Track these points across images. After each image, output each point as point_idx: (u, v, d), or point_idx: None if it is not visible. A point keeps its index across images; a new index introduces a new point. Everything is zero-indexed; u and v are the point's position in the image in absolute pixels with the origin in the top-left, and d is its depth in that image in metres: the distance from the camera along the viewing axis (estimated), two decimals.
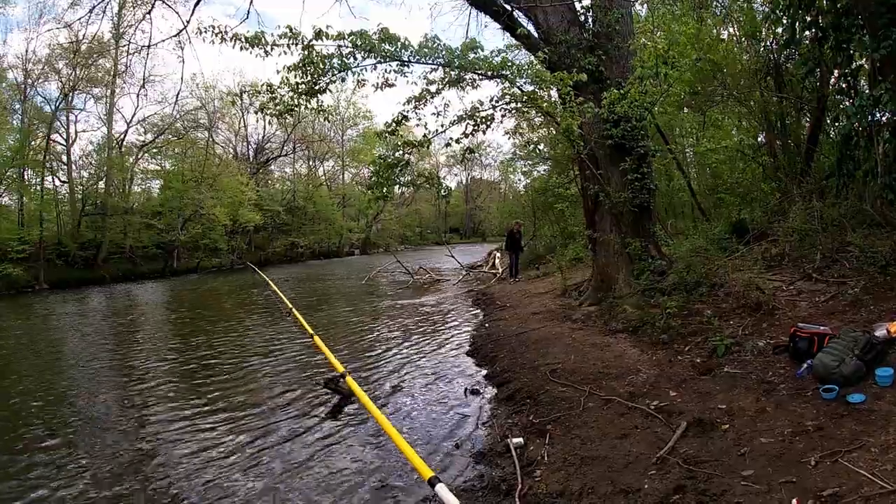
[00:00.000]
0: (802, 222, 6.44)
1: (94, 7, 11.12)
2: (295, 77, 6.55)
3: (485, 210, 52.52)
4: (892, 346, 3.78)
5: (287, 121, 28.12)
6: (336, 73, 6.60)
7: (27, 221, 20.87)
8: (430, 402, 5.27)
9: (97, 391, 6.20)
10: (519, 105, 7.45)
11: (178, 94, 24.37)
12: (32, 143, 21.44)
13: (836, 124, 6.95)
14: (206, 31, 6.44)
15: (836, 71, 6.64)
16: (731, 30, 9.30)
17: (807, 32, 6.10)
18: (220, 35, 6.39)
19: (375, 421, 4.09)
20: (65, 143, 23.21)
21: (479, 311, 10.41)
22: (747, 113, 9.09)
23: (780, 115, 8.07)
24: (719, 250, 7.40)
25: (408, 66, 6.71)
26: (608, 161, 8.12)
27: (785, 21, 6.32)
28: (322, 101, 7.22)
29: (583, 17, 8.54)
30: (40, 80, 22.27)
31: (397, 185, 8.12)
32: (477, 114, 6.86)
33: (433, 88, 6.78)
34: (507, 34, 8.87)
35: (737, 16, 8.84)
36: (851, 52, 5.70)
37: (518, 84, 6.98)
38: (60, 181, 23.72)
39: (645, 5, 11.84)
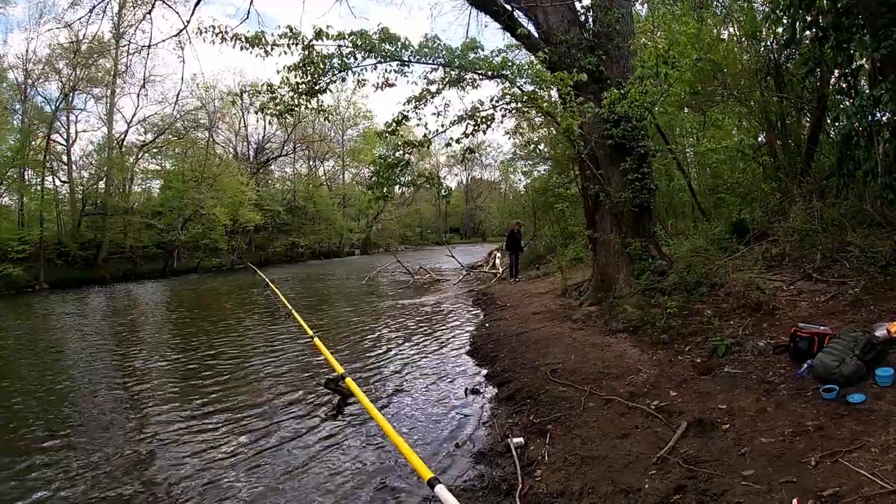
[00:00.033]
0: (803, 222, 6.43)
1: (94, 7, 11.14)
2: (295, 77, 6.54)
3: (485, 210, 52.52)
4: (892, 346, 3.78)
5: (287, 121, 28.13)
6: (336, 72, 6.59)
7: (27, 221, 20.91)
8: (431, 402, 5.27)
9: (97, 391, 6.20)
10: (519, 105, 7.44)
11: (179, 94, 24.49)
12: (33, 143, 21.48)
13: (837, 124, 6.95)
14: (206, 31, 6.44)
15: (836, 71, 6.63)
16: (731, 30, 9.30)
17: (807, 32, 6.10)
18: (220, 35, 6.38)
19: (375, 422, 4.10)
20: (65, 143, 23.28)
21: (479, 311, 10.41)
22: (748, 113, 9.08)
23: (780, 114, 8.06)
24: (720, 250, 7.39)
25: (408, 66, 6.70)
26: (608, 161, 8.11)
27: (785, 21, 6.32)
28: (322, 101, 7.22)
29: (583, 17, 8.53)
30: (41, 80, 22.36)
31: (397, 185, 8.11)
32: (477, 114, 6.85)
33: (433, 88, 6.77)
34: (508, 34, 8.87)
35: (737, 16, 8.83)
36: (852, 51, 5.70)
37: (518, 84, 6.98)
38: (61, 181, 23.82)
39: (645, 5, 11.84)
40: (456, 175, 58.36)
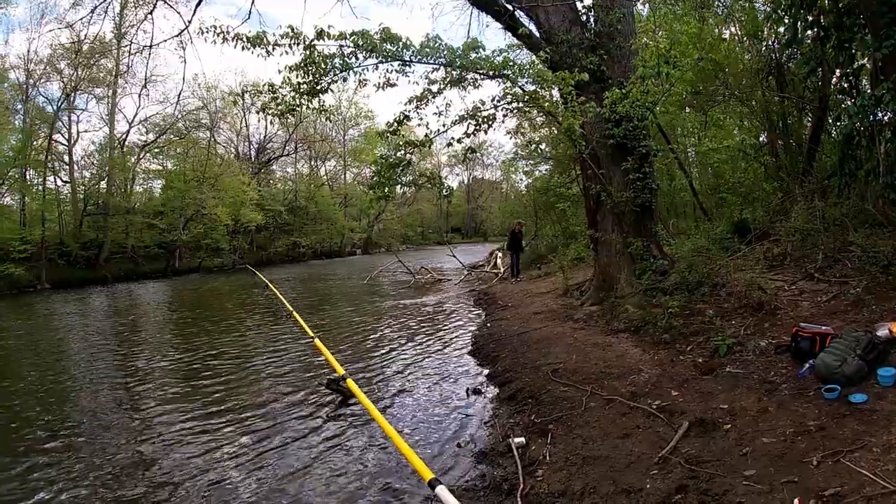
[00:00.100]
0: (804, 222, 6.42)
1: (95, 7, 11.17)
2: (296, 77, 6.55)
3: (486, 210, 52.49)
4: (894, 346, 3.77)
5: (289, 121, 28.23)
6: (338, 72, 6.60)
7: (29, 221, 20.94)
8: (433, 402, 5.28)
9: (99, 391, 6.22)
10: (521, 105, 7.45)
11: (180, 94, 24.29)
12: (34, 143, 21.50)
13: (838, 124, 6.94)
14: (207, 32, 6.44)
15: (837, 70, 6.62)
16: (732, 29, 9.27)
17: (809, 32, 6.09)
18: (221, 35, 6.38)
19: (376, 423, 4.10)
20: (67, 143, 23.30)
21: (480, 310, 10.41)
22: (749, 112, 9.06)
23: (781, 114, 8.05)
24: (721, 250, 7.39)
25: (409, 66, 6.70)
26: (610, 161, 8.11)
27: (787, 20, 6.31)
28: (324, 101, 7.23)
29: (584, 17, 8.53)
30: (42, 81, 22.40)
31: (399, 185, 8.12)
32: (478, 113, 6.85)
33: (435, 88, 6.78)
34: (509, 34, 8.88)
35: (738, 15, 8.81)
36: (853, 51, 5.69)
37: (520, 84, 6.98)
38: (62, 181, 23.82)
39: (646, 5, 11.80)
40: (457, 175, 58.47)
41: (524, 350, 6.31)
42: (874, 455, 2.70)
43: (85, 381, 6.69)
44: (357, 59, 6.50)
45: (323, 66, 6.45)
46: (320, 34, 6.25)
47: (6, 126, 20.54)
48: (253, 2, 10.17)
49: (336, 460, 4.04)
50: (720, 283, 6.23)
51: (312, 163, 42.67)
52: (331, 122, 38.24)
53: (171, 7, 10.67)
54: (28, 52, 21.90)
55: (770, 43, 8.04)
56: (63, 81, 22.22)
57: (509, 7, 8.24)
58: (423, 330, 8.87)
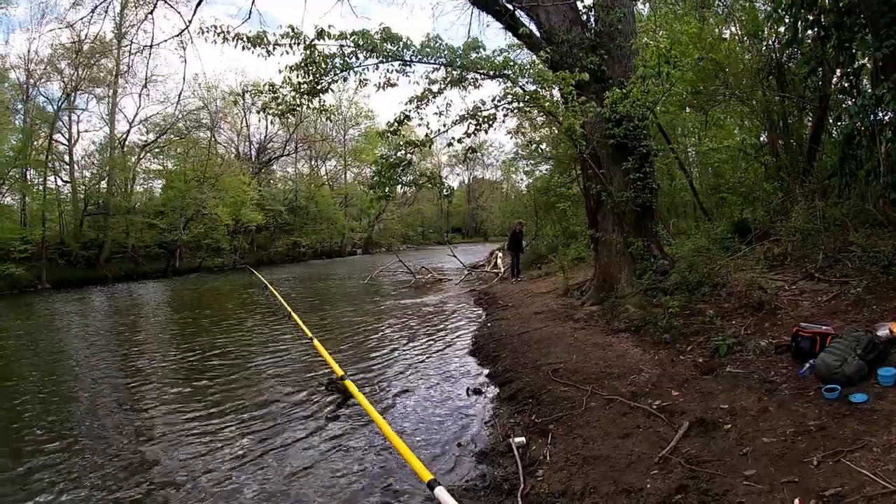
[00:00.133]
0: (805, 222, 6.42)
1: (96, 7, 11.19)
2: (297, 77, 6.55)
3: (487, 210, 52.50)
4: (894, 346, 3.77)
5: (289, 120, 28.25)
6: (338, 72, 6.60)
7: (30, 221, 20.95)
8: (434, 402, 5.28)
9: (100, 392, 6.21)
10: (521, 105, 7.45)
11: (181, 93, 24.33)
12: (35, 142, 21.51)
13: (839, 124, 6.94)
14: (208, 31, 6.44)
15: (838, 70, 6.63)
16: (733, 29, 9.27)
17: (809, 31, 6.09)
18: (222, 35, 6.39)
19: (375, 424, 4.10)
20: (67, 143, 23.32)
21: (481, 310, 10.41)
22: (749, 112, 9.06)
23: (782, 114, 8.04)
24: (721, 250, 7.39)
25: (410, 66, 6.70)
26: (610, 160, 8.11)
27: (787, 20, 6.31)
28: (324, 101, 7.24)
29: (585, 17, 8.53)
30: (42, 80, 22.39)
31: (399, 185, 8.12)
32: (479, 113, 6.85)
33: (435, 88, 6.78)
34: (509, 34, 8.87)
35: (739, 15, 8.81)
36: (854, 51, 5.69)
37: (520, 83, 6.98)
38: (63, 181, 23.84)
39: (647, 4, 11.80)
40: (458, 175, 58.44)
41: (525, 350, 6.31)
42: (874, 455, 2.70)
43: (85, 381, 6.69)
44: (357, 58, 6.51)
45: (323, 65, 6.45)
46: (321, 34, 6.25)
47: (7, 126, 20.56)
48: (253, 2, 10.20)
49: (337, 461, 4.04)
50: (720, 283, 6.23)
51: (313, 162, 42.70)
52: (331, 121, 38.29)
53: (172, 7, 10.71)
54: (28, 51, 21.95)
55: (770, 43, 8.04)
56: (63, 81, 22.25)
57: (510, 7, 8.24)
58: (424, 330, 8.87)
